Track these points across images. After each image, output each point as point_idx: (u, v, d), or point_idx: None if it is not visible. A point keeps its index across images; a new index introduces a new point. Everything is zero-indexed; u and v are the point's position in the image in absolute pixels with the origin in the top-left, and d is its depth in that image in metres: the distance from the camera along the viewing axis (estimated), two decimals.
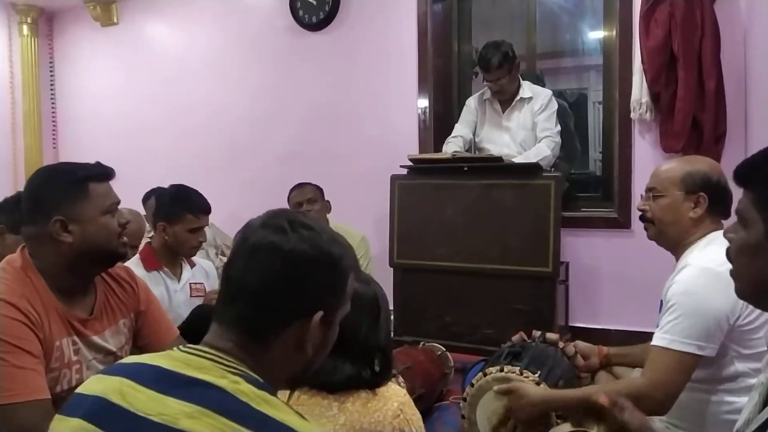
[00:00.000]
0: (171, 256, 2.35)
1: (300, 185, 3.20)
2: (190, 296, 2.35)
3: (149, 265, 2.29)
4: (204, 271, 2.49)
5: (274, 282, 0.84)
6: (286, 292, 0.84)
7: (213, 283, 2.48)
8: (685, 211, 1.58)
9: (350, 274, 0.92)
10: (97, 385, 0.83)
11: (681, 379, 1.44)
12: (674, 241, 1.62)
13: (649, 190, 1.66)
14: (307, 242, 0.86)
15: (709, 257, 1.48)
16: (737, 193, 1.00)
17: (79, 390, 0.85)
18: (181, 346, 0.86)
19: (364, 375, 1.27)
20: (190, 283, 2.38)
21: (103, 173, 1.44)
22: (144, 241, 2.52)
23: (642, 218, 1.69)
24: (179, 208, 2.27)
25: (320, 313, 0.86)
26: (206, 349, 0.84)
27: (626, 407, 1.17)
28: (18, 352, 1.25)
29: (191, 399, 0.76)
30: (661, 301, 1.59)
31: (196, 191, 2.36)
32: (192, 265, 2.44)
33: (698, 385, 1.49)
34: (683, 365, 1.44)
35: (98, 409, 0.79)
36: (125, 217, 1.48)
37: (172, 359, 0.83)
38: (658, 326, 1.52)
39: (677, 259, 1.61)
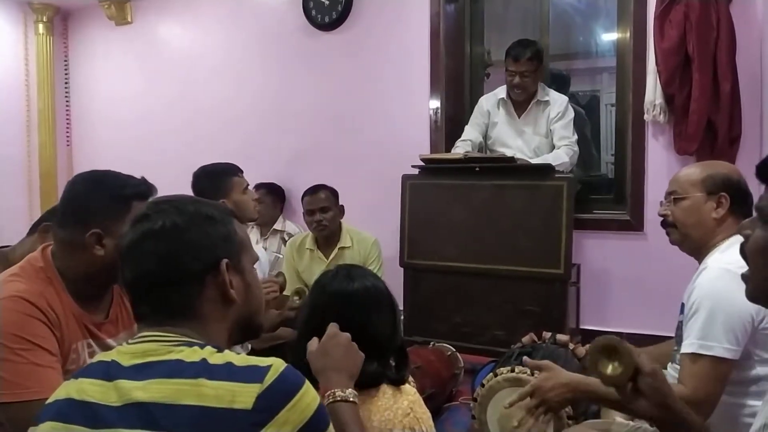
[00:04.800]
0: None
1: (314, 191, 3.06)
2: None
3: None
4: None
5: (161, 261, 0.89)
6: (178, 263, 0.90)
7: (264, 269, 2.47)
8: (708, 211, 1.56)
9: (231, 219, 0.98)
10: (62, 390, 0.90)
11: (718, 384, 1.42)
12: (698, 243, 1.59)
13: (669, 194, 1.64)
14: (172, 213, 0.92)
15: (728, 259, 1.45)
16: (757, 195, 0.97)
17: (48, 400, 0.92)
18: (129, 339, 0.92)
19: (389, 373, 1.29)
20: None
21: (147, 191, 1.41)
22: None
23: (663, 224, 1.66)
24: (222, 177, 2.33)
25: (224, 261, 0.92)
26: (147, 334, 0.89)
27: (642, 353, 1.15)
28: (36, 350, 1.25)
29: (140, 377, 0.83)
30: (683, 304, 1.56)
31: (217, 162, 2.44)
32: None
33: (727, 388, 1.45)
34: (717, 370, 1.41)
35: (64, 409, 0.87)
36: None
37: (121, 353, 0.89)
38: (677, 328, 1.50)
39: (699, 263, 1.59)
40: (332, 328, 1.21)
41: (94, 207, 1.37)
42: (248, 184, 2.40)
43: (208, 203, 0.98)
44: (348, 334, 1.20)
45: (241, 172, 2.41)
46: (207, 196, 2.27)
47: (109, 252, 1.34)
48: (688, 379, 1.44)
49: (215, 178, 2.33)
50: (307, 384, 0.85)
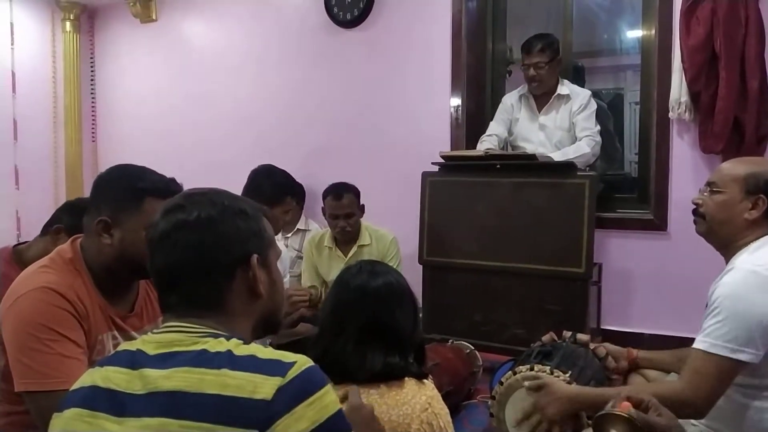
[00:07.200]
0: None
1: (338, 196, 2.95)
2: None
3: None
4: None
5: (194, 253, 0.90)
6: (210, 255, 0.90)
7: (285, 267, 2.56)
8: (741, 211, 1.51)
9: (261, 216, 0.99)
10: (87, 377, 0.91)
11: (721, 384, 1.39)
12: (723, 240, 1.56)
13: (708, 184, 1.59)
14: (207, 205, 0.92)
15: (758, 261, 1.42)
16: None
17: (73, 386, 0.92)
18: (154, 329, 0.92)
19: (412, 368, 1.30)
20: None
21: (167, 190, 1.39)
22: None
23: (694, 212, 1.61)
24: (283, 191, 2.40)
25: (255, 256, 0.93)
26: (173, 324, 0.90)
27: (651, 406, 1.13)
28: (63, 341, 1.27)
29: (165, 366, 0.84)
30: (707, 304, 1.53)
31: (286, 172, 2.57)
32: None
33: (741, 390, 1.44)
34: (724, 371, 1.38)
35: (89, 396, 0.88)
36: None
37: (146, 342, 0.89)
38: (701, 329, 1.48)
39: (726, 261, 1.55)
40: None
41: (106, 195, 1.39)
42: (291, 209, 2.53)
43: (240, 198, 0.99)
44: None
45: (295, 195, 2.48)
46: (258, 195, 2.32)
47: (116, 243, 1.36)
48: (688, 373, 1.42)
49: (277, 188, 2.43)
50: (329, 387, 0.85)
